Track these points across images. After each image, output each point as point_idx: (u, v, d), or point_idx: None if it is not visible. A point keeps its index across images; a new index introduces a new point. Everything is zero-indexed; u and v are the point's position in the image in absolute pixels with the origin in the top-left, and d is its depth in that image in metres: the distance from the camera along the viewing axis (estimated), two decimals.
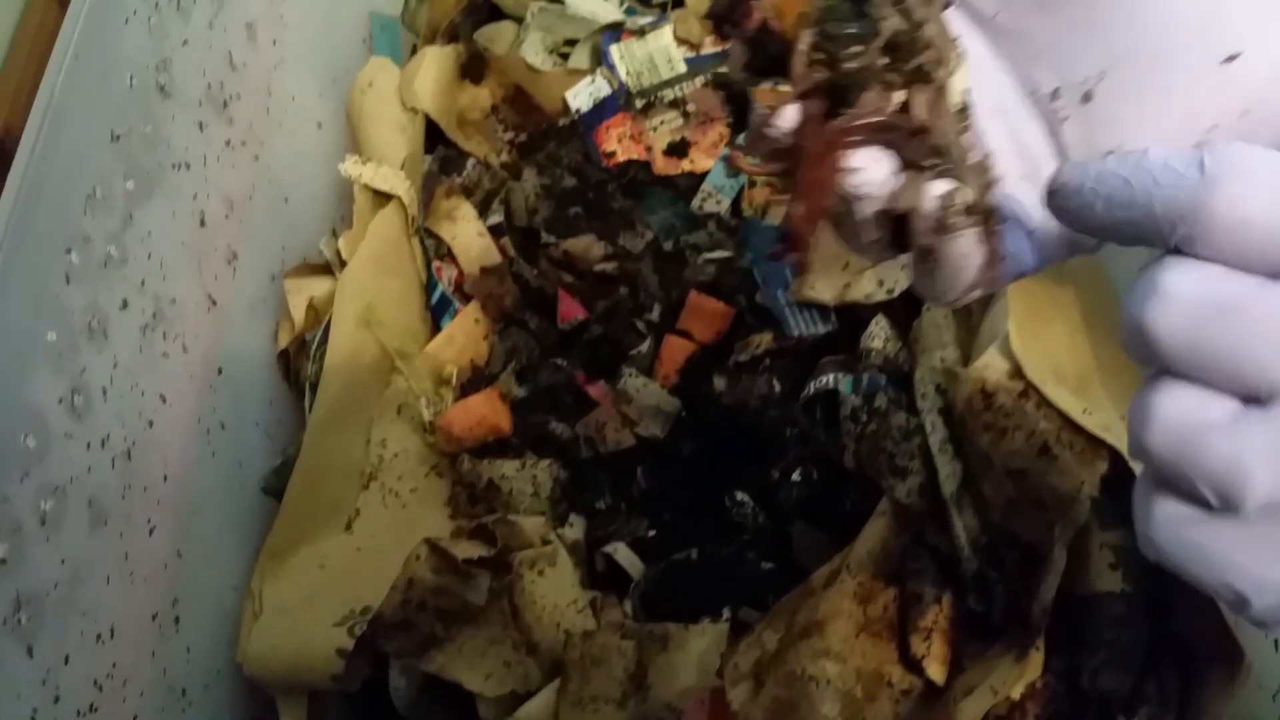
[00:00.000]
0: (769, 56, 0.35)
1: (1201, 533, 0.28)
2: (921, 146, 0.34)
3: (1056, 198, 0.30)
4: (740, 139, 1.00)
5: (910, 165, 0.34)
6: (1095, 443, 0.68)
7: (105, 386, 0.66)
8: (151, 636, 0.71)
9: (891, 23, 0.34)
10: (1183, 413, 0.27)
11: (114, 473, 0.67)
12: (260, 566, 0.84)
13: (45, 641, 0.60)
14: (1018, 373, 0.69)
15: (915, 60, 0.34)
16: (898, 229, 0.35)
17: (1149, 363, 0.28)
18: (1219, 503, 0.27)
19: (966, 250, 0.34)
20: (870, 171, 0.34)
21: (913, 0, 0.34)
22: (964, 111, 0.35)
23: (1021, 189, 0.36)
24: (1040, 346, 0.70)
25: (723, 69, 1.00)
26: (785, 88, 0.35)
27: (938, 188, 0.33)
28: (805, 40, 0.34)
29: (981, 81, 0.36)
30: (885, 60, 0.34)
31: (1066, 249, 0.36)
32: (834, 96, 0.34)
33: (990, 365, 0.70)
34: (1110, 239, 0.30)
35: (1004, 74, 0.37)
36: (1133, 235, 0.28)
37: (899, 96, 0.34)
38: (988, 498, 0.69)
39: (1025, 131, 0.37)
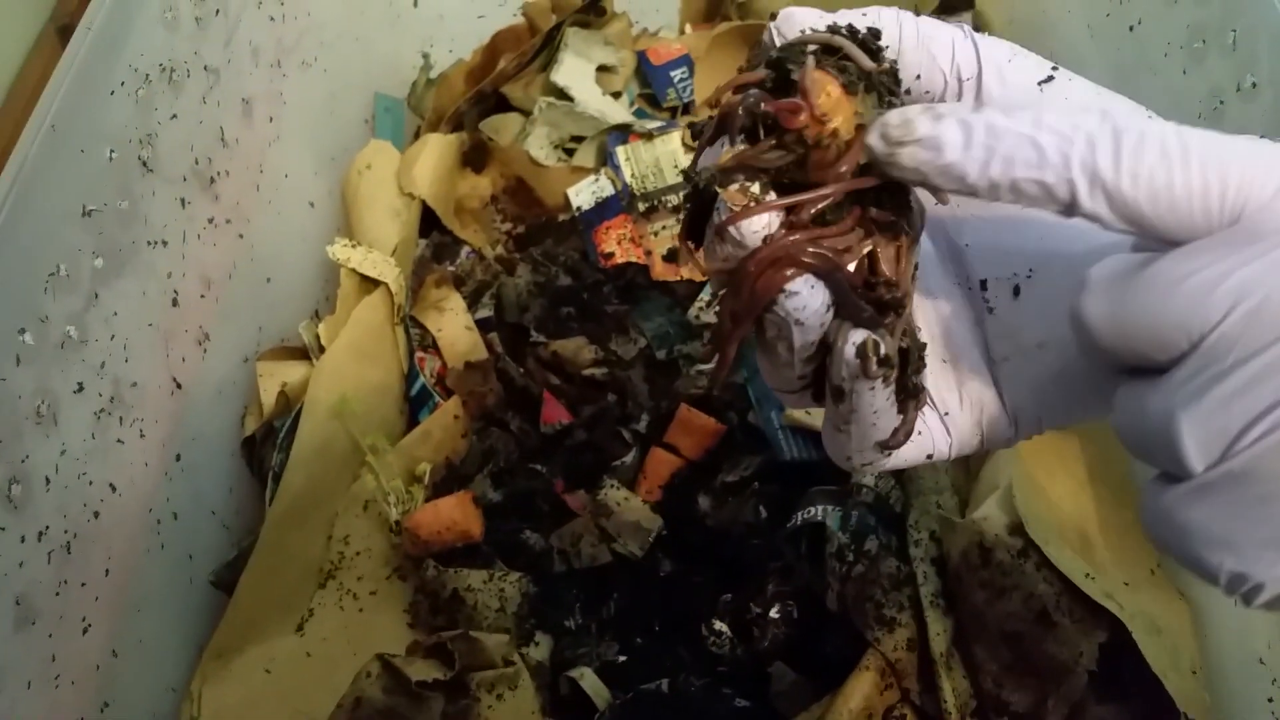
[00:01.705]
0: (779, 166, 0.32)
1: (1171, 507, 0.27)
2: (873, 295, 0.33)
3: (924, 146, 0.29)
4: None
5: (843, 310, 0.32)
6: (1096, 610, 0.64)
7: (49, 475, 0.62)
8: None
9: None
10: (1130, 395, 0.28)
11: (49, 568, 0.63)
12: (202, 666, 0.79)
13: None
14: (1018, 529, 0.66)
15: (897, 215, 0.33)
16: (819, 374, 0.34)
17: (1095, 355, 0.29)
18: (1175, 469, 0.27)
19: (879, 407, 0.32)
20: (808, 298, 0.32)
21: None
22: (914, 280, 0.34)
23: (941, 372, 0.36)
24: (1043, 502, 0.66)
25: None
26: (754, 189, 0.32)
27: (859, 335, 0.32)
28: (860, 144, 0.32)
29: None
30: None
31: (980, 440, 0.36)
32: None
33: (989, 518, 0.67)
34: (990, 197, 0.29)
35: (935, 261, 0.37)
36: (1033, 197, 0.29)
37: (866, 246, 0.33)
38: (979, 660, 0.65)
39: (951, 318, 0.37)
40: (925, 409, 0.35)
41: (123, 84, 0.68)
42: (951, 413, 0.36)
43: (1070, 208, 0.28)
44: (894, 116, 0.30)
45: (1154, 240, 0.28)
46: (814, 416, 0.84)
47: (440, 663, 0.75)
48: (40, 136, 0.61)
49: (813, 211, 0.32)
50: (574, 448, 0.90)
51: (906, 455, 0.35)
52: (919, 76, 0.35)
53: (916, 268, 0.34)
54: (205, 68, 0.80)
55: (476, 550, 0.86)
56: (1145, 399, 0.28)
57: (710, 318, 0.95)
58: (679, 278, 0.98)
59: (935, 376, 0.36)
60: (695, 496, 0.87)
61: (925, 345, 0.34)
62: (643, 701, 0.78)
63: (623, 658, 0.82)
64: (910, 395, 0.33)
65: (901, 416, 0.33)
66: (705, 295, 0.95)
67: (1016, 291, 0.36)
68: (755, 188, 0.32)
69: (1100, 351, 0.29)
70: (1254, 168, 0.27)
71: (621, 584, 0.85)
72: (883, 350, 0.31)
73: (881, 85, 0.32)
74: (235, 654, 0.80)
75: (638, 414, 0.91)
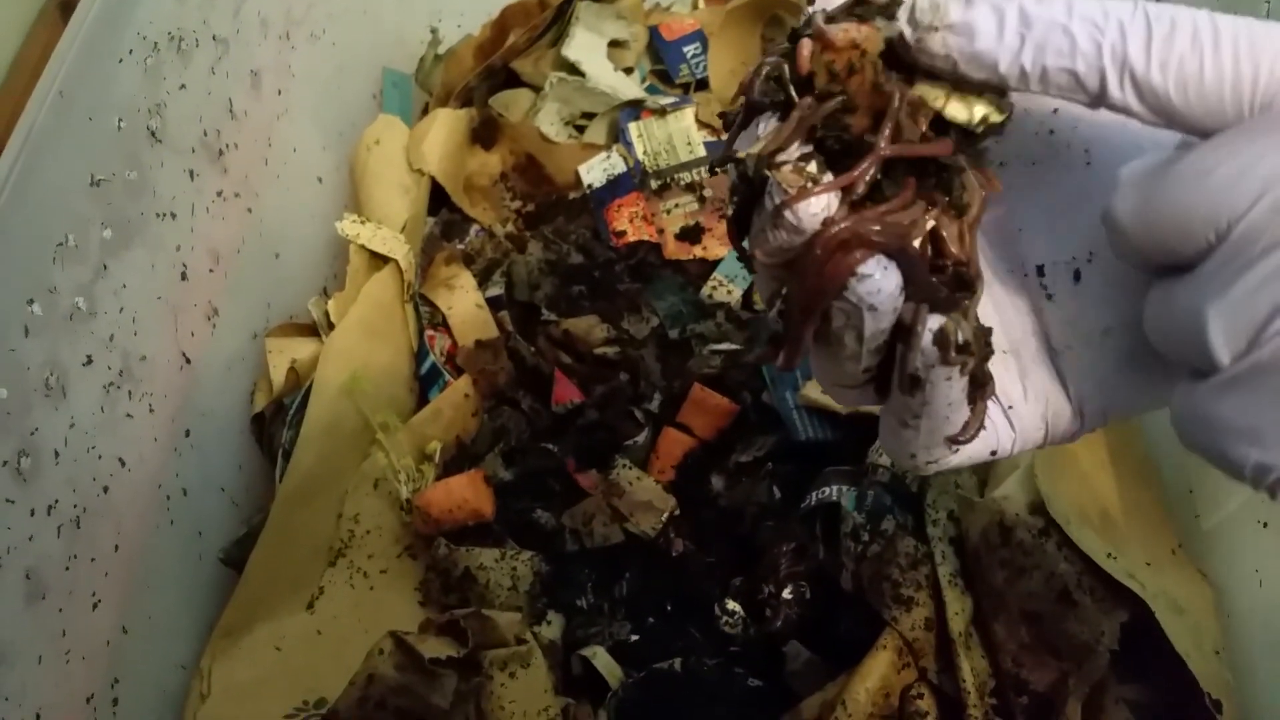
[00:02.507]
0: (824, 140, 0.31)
1: (1200, 403, 0.27)
2: (943, 278, 0.31)
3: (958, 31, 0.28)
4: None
5: (918, 291, 0.30)
6: (1117, 590, 0.64)
7: (58, 449, 0.62)
8: None
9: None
10: (1159, 294, 0.28)
11: (59, 542, 0.62)
12: (212, 644, 0.78)
13: None
14: (1039, 508, 0.65)
15: (956, 191, 0.31)
16: (886, 365, 0.32)
17: (1130, 258, 0.29)
18: (1203, 364, 0.27)
19: (954, 399, 0.31)
20: (882, 281, 0.30)
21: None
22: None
23: (1002, 363, 0.34)
24: (1065, 482, 0.65)
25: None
26: (810, 169, 0.30)
27: (936, 320, 0.30)
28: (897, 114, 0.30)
29: None
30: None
31: (1044, 435, 0.35)
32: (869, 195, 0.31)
33: (1010, 497, 0.66)
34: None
35: (985, 247, 0.35)
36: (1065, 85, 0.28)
37: (930, 221, 0.31)
38: (999, 640, 0.64)
39: (1009, 307, 0.35)
40: (990, 403, 0.34)
41: (131, 52, 0.67)
42: (1015, 406, 0.34)
43: (1100, 98, 0.28)
44: (924, 0, 0.29)
45: (1185, 132, 0.28)
46: (829, 396, 0.83)
47: (453, 640, 0.74)
48: (48, 103, 0.60)
49: (866, 181, 0.30)
50: (586, 427, 0.89)
51: (971, 452, 0.34)
52: None
53: None
54: (214, 37, 0.78)
55: (488, 529, 0.85)
56: (1173, 295, 0.27)
57: (723, 297, 0.94)
58: (691, 257, 0.97)
59: (997, 368, 0.34)
60: (708, 476, 0.86)
61: (991, 330, 0.32)
62: (655, 681, 0.78)
63: (635, 637, 0.81)
64: (980, 385, 0.32)
65: (971, 408, 0.32)
66: (719, 275, 0.94)
67: (1077, 276, 0.34)
68: (812, 166, 0.31)
69: (1132, 252, 0.29)
70: None
71: (634, 564, 0.84)
72: (962, 336, 0.30)
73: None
74: (245, 631, 0.79)
75: (650, 393, 0.90)
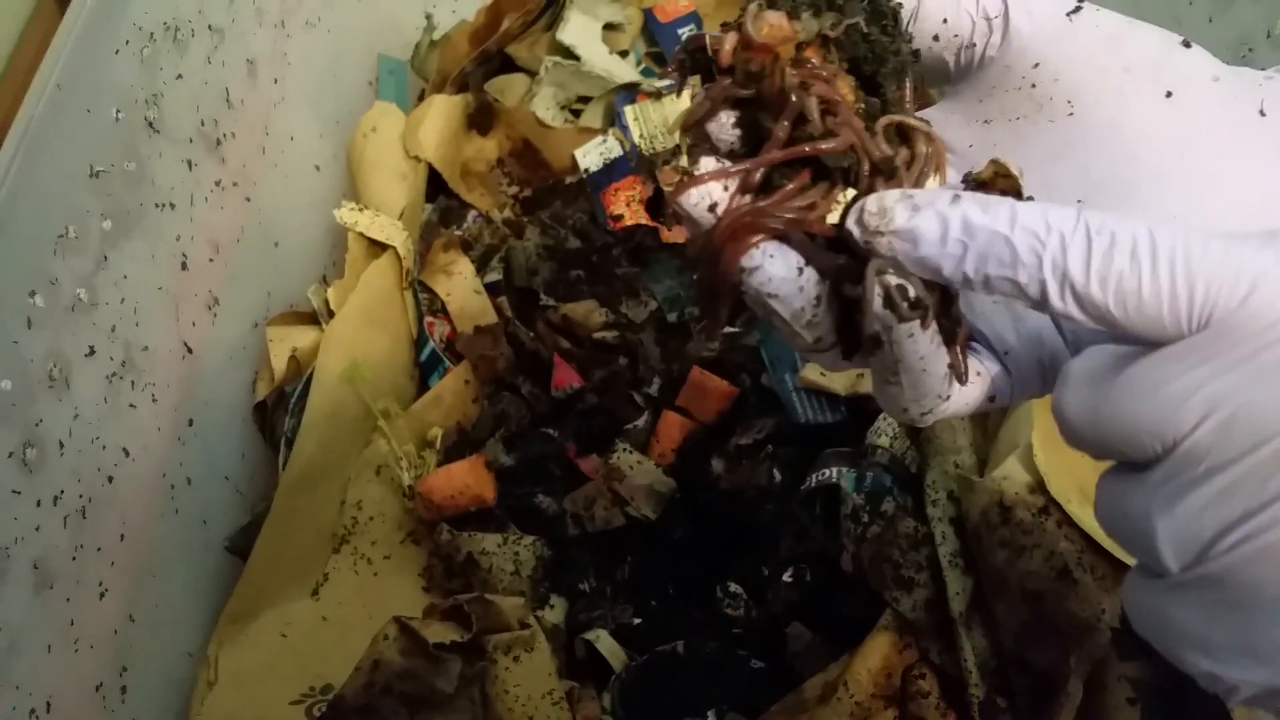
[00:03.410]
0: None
1: (1150, 600, 0.28)
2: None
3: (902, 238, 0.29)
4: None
5: (822, 271, 0.31)
6: (1118, 567, 0.64)
7: (63, 440, 0.62)
8: (94, 710, 0.66)
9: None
10: (1109, 488, 0.29)
11: (65, 532, 0.62)
12: (219, 631, 0.79)
13: None
14: (1039, 487, 0.65)
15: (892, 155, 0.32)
16: (845, 331, 0.32)
17: (1078, 448, 0.30)
18: (1153, 565, 0.27)
19: (925, 352, 0.31)
20: (771, 269, 0.30)
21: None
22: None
23: (994, 311, 0.35)
24: (1064, 460, 0.66)
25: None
26: (681, 163, 0.32)
27: (881, 281, 0.30)
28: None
29: None
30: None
31: (1040, 380, 0.35)
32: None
33: (1009, 477, 0.66)
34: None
35: None
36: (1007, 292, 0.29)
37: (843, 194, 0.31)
38: (1000, 619, 0.65)
39: None
40: (982, 349, 0.34)
41: (127, 42, 0.67)
42: (1011, 351, 0.35)
43: (1042, 305, 0.28)
44: (872, 204, 0.30)
45: (1126, 342, 0.28)
46: (829, 379, 0.83)
47: (457, 625, 0.74)
48: (46, 95, 0.60)
49: (758, 177, 0.31)
50: (585, 411, 0.90)
51: (968, 398, 0.34)
52: (945, 20, 0.34)
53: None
54: (210, 27, 0.78)
55: (489, 514, 0.85)
56: (1123, 494, 0.28)
57: None
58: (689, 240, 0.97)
59: (990, 315, 0.35)
60: (708, 459, 0.86)
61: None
62: (658, 663, 0.78)
63: (637, 620, 0.82)
64: (950, 330, 0.32)
65: (949, 353, 0.32)
66: None
67: None
68: (683, 161, 0.31)
69: (1080, 446, 0.30)
70: (1223, 273, 0.26)
71: (635, 547, 0.85)
72: (912, 292, 0.30)
73: (845, 7, 0.31)
74: (251, 618, 0.80)
75: (649, 377, 0.91)
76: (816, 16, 0.31)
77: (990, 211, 0.28)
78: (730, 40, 0.31)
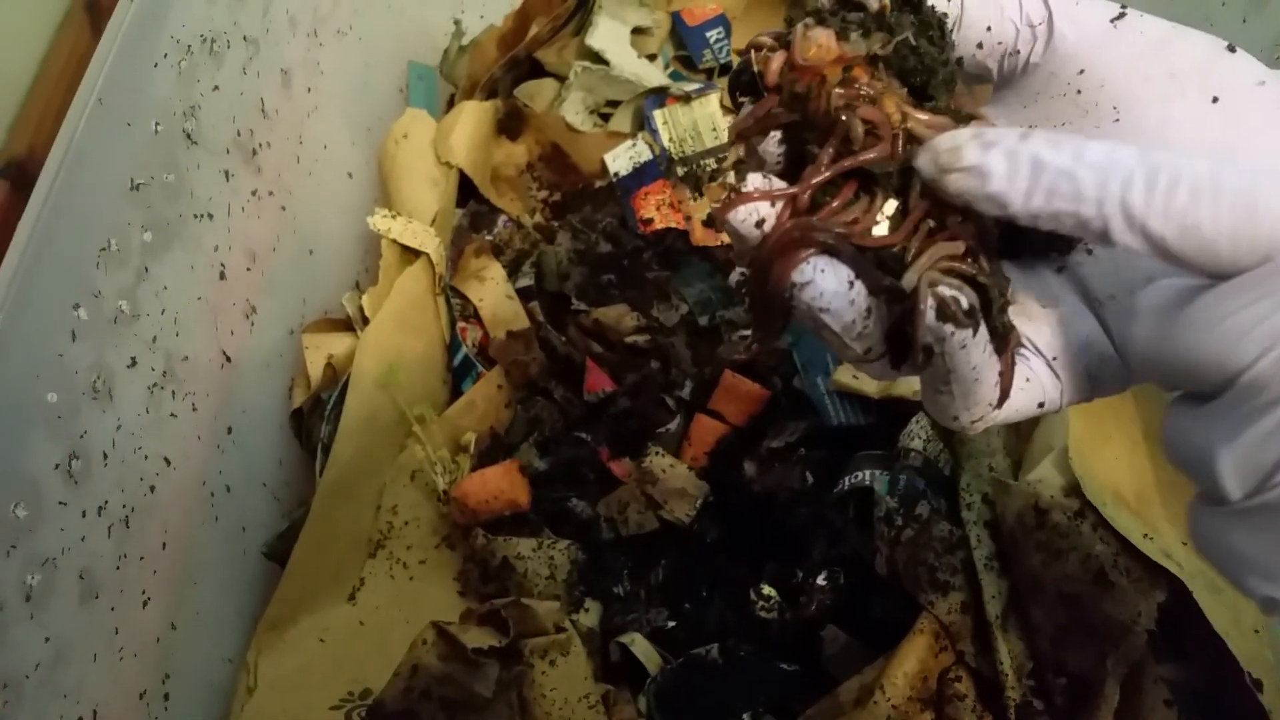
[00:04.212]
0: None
1: (1213, 527, 0.29)
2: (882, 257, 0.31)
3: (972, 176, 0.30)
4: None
5: (870, 286, 0.31)
6: (1154, 570, 0.64)
7: (106, 450, 0.63)
8: (139, 717, 0.67)
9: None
10: (1175, 420, 0.29)
11: (110, 542, 0.63)
12: (257, 638, 0.80)
13: None
14: (1074, 490, 0.65)
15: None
16: (894, 341, 0.32)
17: (1147, 380, 0.30)
18: (1216, 493, 0.28)
19: (976, 361, 0.32)
20: (821, 284, 0.31)
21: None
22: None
23: (1044, 317, 0.35)
24: (1100, 463, 0.66)
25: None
26: (729, 180, 0.32)
27: (935, 293, 0.31)
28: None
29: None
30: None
31: (1088, 386, 0.35)
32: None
33: (1044, 480, 0.66)
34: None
35: None
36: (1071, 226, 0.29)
37: (886, 205, 0.32)
38: (1036, 622, 0.65)
39: (1046, 263, 0.36)
40: (1031, 356, 0.35)
41: (165, 56, 0.68)
42: (1060, 357, 0.35)
43: (1105, 239, 0.29)
44: (944, 141, 0.30)
45: (1189, 274, 0.29)
46: (861, 381, 0.83)
47: (494, 630, 0.75)
48: (88, 111, 0.61)
49: (807, 193, 0.31)
50: (618, 415, 0.90)
51: (1018, 405, 0.34)
52: (989, 29, 0.35)
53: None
54: (245, 38, 0.79)
55: (524, 519, 0.86)
56: (1189, 425, 0.29)
57: None
58: (719, 243, 0.97)
59: (1039, 322, 0.35)
60: (741, 462, 0.87)
61: (1009, 281, 0.33)
62: (694, 667, 0.79)
63: (672, 624, 0.82)
64: (1002, 338, 0.32)
65: (1000, 362, 0.32)
66: None
67: None
68: (757, 178, 0.32)
69: (1148, 378, 0.30)
70: None
71: (669, 551, 0.85)
72: (965, 303, 0.30)
73: (894, 24, 0.32)
74: (289, 624, 0.80)
75: (681, 380, 0.91)
76: (865, 38, 0.31)
77: (1058, 148, 0.29)
78: (777, 60, 0.31)
